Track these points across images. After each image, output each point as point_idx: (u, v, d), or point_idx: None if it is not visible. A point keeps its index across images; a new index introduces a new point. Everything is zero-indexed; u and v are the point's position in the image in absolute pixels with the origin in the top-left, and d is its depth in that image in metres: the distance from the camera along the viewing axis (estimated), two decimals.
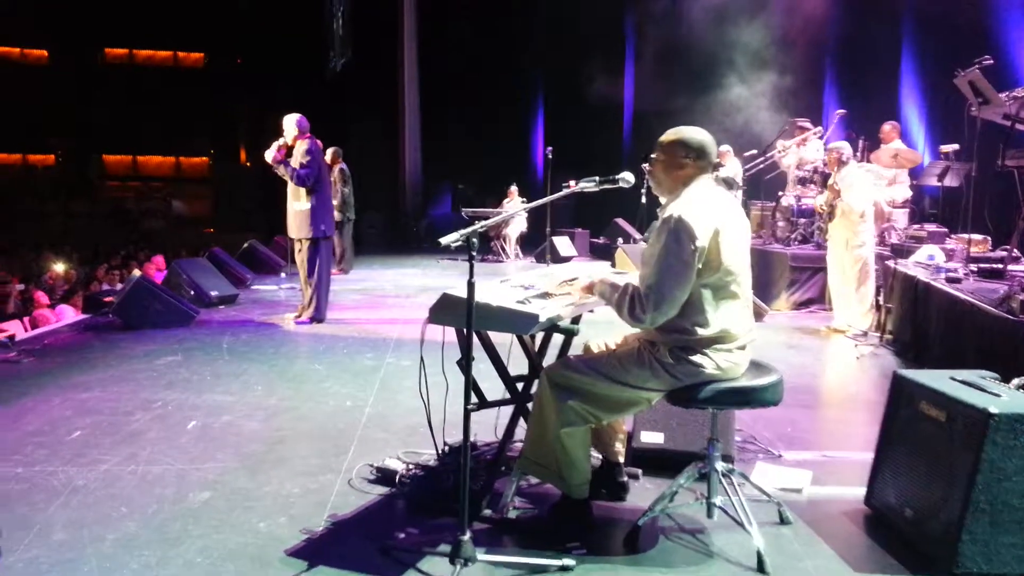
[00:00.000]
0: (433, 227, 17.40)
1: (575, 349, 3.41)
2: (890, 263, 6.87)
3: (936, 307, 5.71)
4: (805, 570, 2.81)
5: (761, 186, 10.56)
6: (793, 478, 3.54)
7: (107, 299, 8.10)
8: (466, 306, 2.68)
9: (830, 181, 7.18)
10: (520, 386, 3.39)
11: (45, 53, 27.60)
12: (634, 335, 3.13)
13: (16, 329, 7.66)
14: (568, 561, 2.76)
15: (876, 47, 11.99)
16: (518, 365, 3.43)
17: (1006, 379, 2.99)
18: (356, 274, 11.38)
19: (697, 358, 2.85)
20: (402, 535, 3.00)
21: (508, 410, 3.40)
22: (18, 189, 24.35)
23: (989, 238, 7.24)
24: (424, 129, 19.21)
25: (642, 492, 3.39)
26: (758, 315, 7.24)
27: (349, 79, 19.57)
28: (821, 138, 9.65)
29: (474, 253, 2.69)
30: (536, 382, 3.17)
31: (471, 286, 2.66)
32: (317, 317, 7.28)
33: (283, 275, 10.50)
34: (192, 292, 8.21)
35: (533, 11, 17.52)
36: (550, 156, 11.78)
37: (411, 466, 3.57)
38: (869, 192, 7.01)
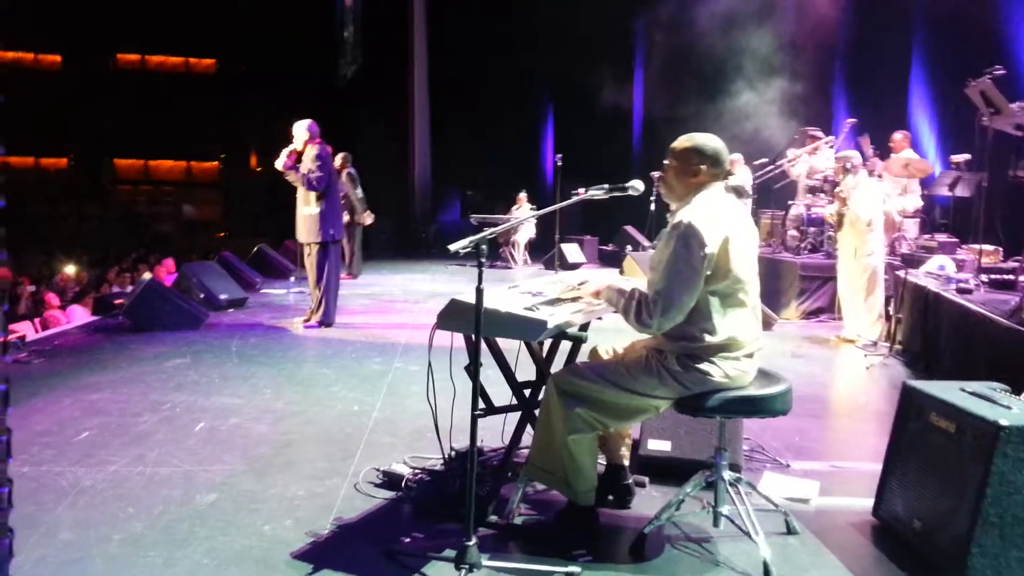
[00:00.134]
0: (442, 233, 17.43)
1: (583, 355, 3.41)
2: (900, 273, 6.84)
3: (946, 318, 5.68)
4: None
5: (771, 195, 10.54)
6: (801, 488, 3.52)
7: (117, 301, 8.14)
8: (475, 312, 2.68)
9: (837, 189, 7.16)
10: (527, 392, 3.38)
11: (59, 58, 27.80)
12: (642, 342, 3.12)
13: (27, 330, 7.70)
14: (573, 568, 2.75)
15: (886, 55, 11.96)
16: (526, 371, 3.42)
17: (1017, 391, 2.97)
18: (365, 279, 11.40)
19: (705, 366, 2.84)
20: (407, 540, 3.00)
21: (515, 416, 3.39)
22: (31, 192, 24.49)
23: (1000, 249, 7.20)
24: (433, 135, 19.27)
25: (649, 500, 3.37)
26: (767, 324, 7.22)
27: (359, 85, 19.66)
28: (832, 147, 9.63)
29: (483, 259, 2.70)
30: (543, 389, 3.17)
31: (480, 292, 2.66)
32: (326, 321, 7.29)
33: (292, 279, 10.53)
34: (202, 295, 8.24)
35: (542, 18, 17.56)
36: (559, 163, 11.79)
37: (417, 471, 3.58)
38: (877, 201, 6.98)
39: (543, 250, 14.16)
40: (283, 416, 4.58)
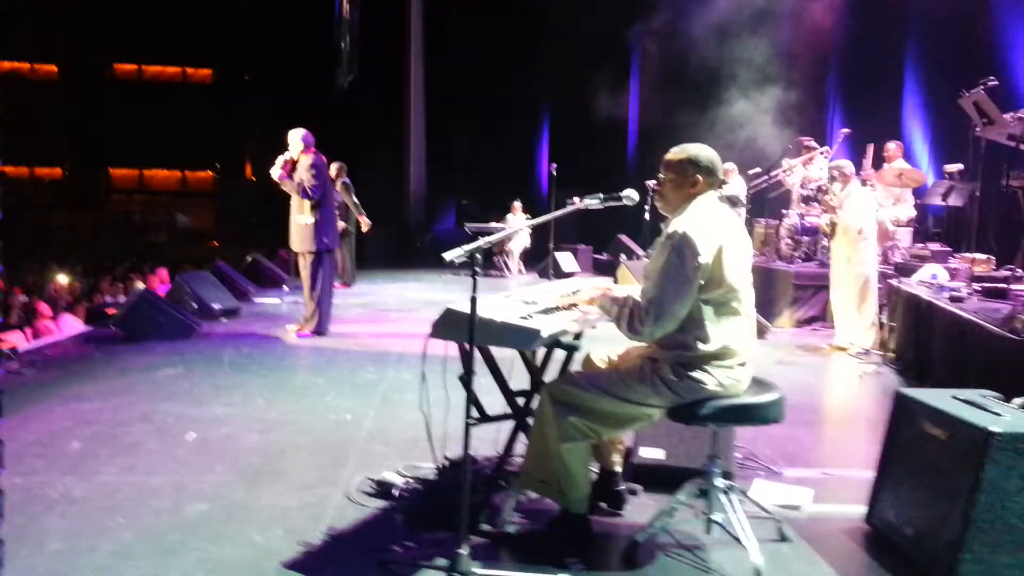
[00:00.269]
0: (436, 242, 17.43)
1: (576, 364, 3.41)
2: (893, 282, 6.86)
3: (939, 326, 5.69)
4: None
5: (765, 204, 10.57)
6: (793, 495, 3.52)
7: (110, 311, 8.12)
8: (469, 321, 2.68)
9: (826, 197, 7.20)
10: (521, 401, 3.38)
11: (55, 68, 27.80)
12: (636, 351, 3.13)
13: (18, 340, 7.67)
14: None
15: (879, 65, 12.03)
16: (519, 380, 3.42)
17: (1008, 399, 2.98)
18: (359, 288, 11.39)
19: (698, 374, 2.85)
20: (400, 549, 2.98)
21: (508, 425, 3.39)
22: (25, 202, 24.44)
23: (993, 258, 7.22)
24: (428, 144, 19.28)
25: (641, 508, 3.37)
26: (761, 332, 7.23)
27: (355, 95, 19.66)
28: (827, 157, 9.67)
29: (478, 268, 2.70)
30: (537, 397, 3.16)
31: (474, 301, 2.66)
32: (319, 330, 7.28)
33: (286, 288, 10.52)
34: (195, 305, 8.22)
35: (538, 28, 17.62)
36: (554, 172, 11.81)
37: (410, 480, 3.56)
38: (869, 210, 7.00)
39: (537, 259, 14.17)
40: (275, 425, 4.56)
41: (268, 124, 15.72)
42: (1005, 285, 6.03)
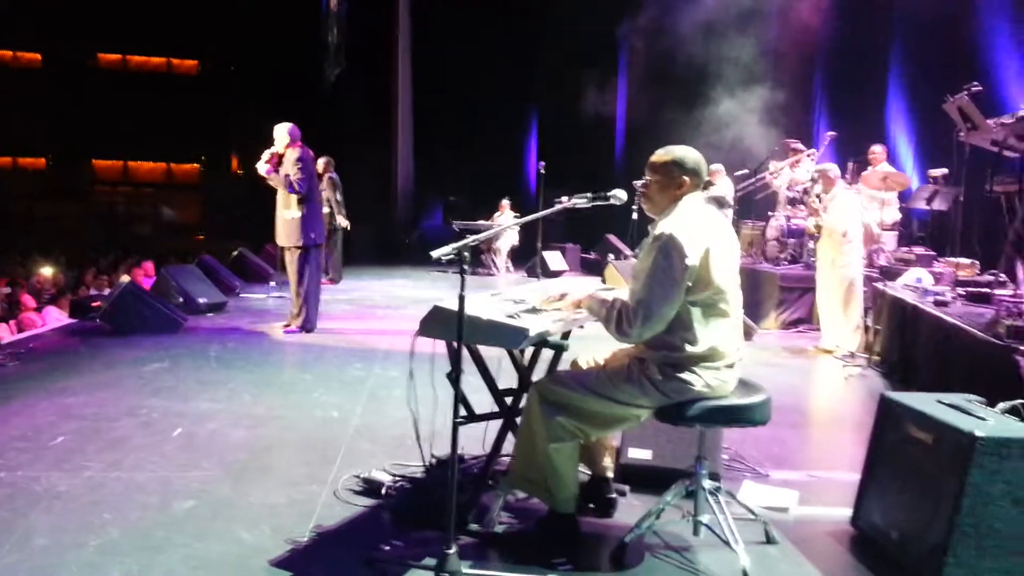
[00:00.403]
0: (423, 239, 17.40)
1: (564, 364, 3.41)
2: (878, 285, 6.91)
3: (924, 330, 5.74)
4: None
5: (752, 206, 10.62)
6: (780, 497, 3.54)
7: (95, 304, 8.05)
8: (457, 319, 2.68)
9: (808, 199, 7.25)
10: (509, 400, 3.38)
11: (39, 57, 27.51)
12: (623, 351, 3.14)
13: (2, 332, 7.60)
14: None
15: (865, 66, 12.09)
16: (508, 379, 3.42)
17: (992, 403, 3.01)
18: (346, 284, 11.36)
19: (686, 375, 2.86)
20: (388, 547, 2.98)
21: (496, 424, 3.39)
22: (8, 192, 24.20)
23: (977, 262, 7.29)
24: (416, 140, 19.25)
25: (629, 508, 3.38)
26: (747, 334, 7.26)
27: (342, 89, 19.60)
28: (813, 159, 9.72)
29: (466, 266, 2.70)
30: (525, 397, 3.17)
31: (462, 299, 2.66)
32: (306, 326, 7.26)
33: (272, 283, 10.47)
34: (181, 299, 8.18)
35: (527, 25, 17.62)
36: (543, 171, 11.79)
37: (398, 478, 3.56)
38: (852, 213, 7.05)
39: (525, 257, 14.17)
40: (262, 422, 4.54)
41: (254, 117, 15.60)
42: (989, 290, 6.09)
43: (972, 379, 4.57)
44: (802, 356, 7.05)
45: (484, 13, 17.54)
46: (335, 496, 3.46)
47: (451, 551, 2.63)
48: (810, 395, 6.03)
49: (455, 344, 2.91)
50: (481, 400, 3.46)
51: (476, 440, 3.71)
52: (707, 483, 2.98)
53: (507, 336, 2.85)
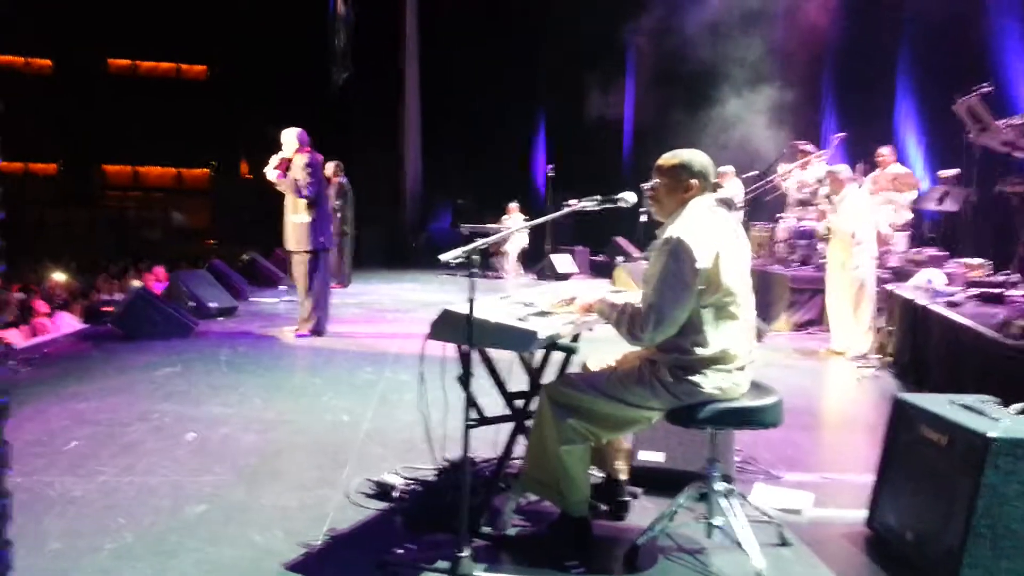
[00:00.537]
0: (432, 242, 17.41)
1: (575, 367, 3.41)
2: (889, 286, 6.88)
3: (935, 331, 5.71)
4: None
5: (761, 207, 10.60)
6: (793, 499, 3.53)
7: (107, 309, 8.09)
8: (466, 322, 2.68)
9: (817, 200, 7.22)
10: (520, 403, 3.38)
11: (49, 62, 27.69)
12: (634, 353, 3.13)
13: (15, 338, 7.64)
14: None
15: (874, 67, 12.05)
16: (518, 382, 3.42)
17: (1006, 404, 2.99)
18: (355, 288, 11.38)
19: (697, 378, 2.85)
20: (400, 551, 2.99)
21: (507, 427, 3.39)
22: (20, 198, 24.34)
23: (989, 263, 7.26)
24: (424, 144, 19.26)
25: (641, 511, 3.37)
26: (758, 336, 7.24)
27: (350, 93, 19.64)
28: (823, 161, 9.69)
29: (475, 270, 2.70)
30: (536, 399, 3.17)
31: (471, 303, 2.66)
32: (316, 330, 7.27)
33: (283, 288, 10.50)
34: (192, 303, 8.20)
35: (534, 28, 17.63)
36: (551, 174, 11.80)
37: (410, 481, 3.57)
38: (862, 214, 7.02)
39: (534, 260, 14.17)
40: (273, 426, 4.56)
41: (263, 122, 15.67)
42: (1001, 290, 6.06)
43: (985, 380, 4.55)
44: (813, 358, 7.03)
45: (491, 16, 17.57)
46: (347, 500, 3.47)
47: (463, 554, 2.63)
48: (822, 397, 6.01)
49: (465, 347, 2.92)
50: (492, 403, 3.46)
51: (487, 443, 3.71)
52: (720, 485, 2.97)
53: (517, 339, 2.85)
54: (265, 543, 3.04)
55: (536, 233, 13.28)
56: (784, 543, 3.11)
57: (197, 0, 24.23)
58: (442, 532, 3.09)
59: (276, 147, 7.20)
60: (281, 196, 7.31)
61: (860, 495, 3.36)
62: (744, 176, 10.34)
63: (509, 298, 3.39)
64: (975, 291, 6.23)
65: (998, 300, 5.90)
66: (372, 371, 6.00)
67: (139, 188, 29.91)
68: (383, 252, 16.71)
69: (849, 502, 3.51)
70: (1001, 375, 4.47)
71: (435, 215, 19.92)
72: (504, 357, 3.23)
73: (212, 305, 8.35)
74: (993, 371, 4.62)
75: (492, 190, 16.77)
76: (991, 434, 2.65)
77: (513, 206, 14.79)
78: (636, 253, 12.49)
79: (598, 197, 3.17)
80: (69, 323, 8.71)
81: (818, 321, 8.13)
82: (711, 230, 2.86)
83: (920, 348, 6.00)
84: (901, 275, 7.37)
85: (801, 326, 8.20)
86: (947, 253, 7.95)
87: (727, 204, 9.26)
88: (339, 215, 10.59)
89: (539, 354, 3.46)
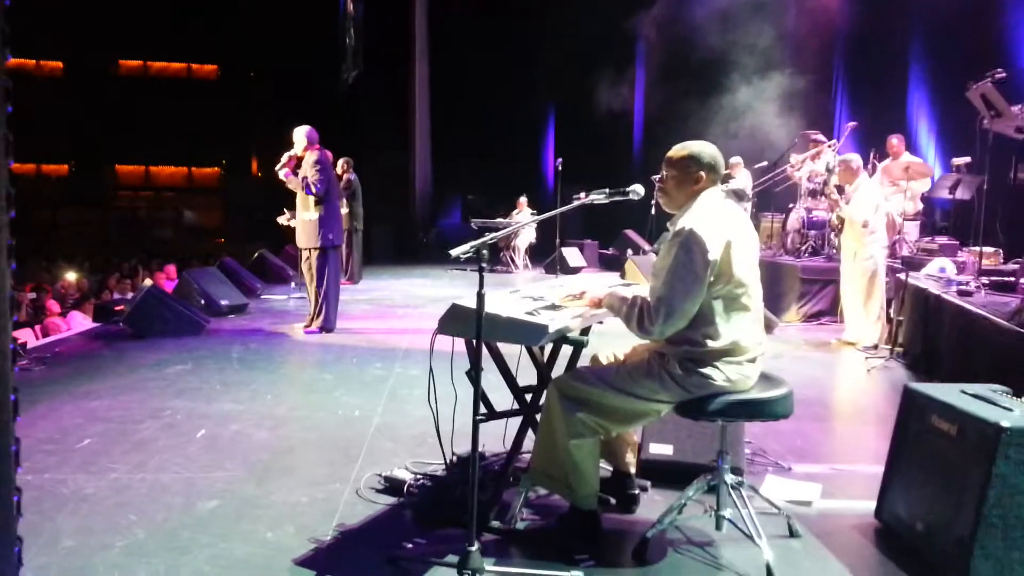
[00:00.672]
0: (441, 237, 17.44)
1: (584, 360, 3.41)
2: (901, 276, 6.84)
3: (947, 320, 5.68)
4: None
5: (772, 198, 10.55)
6: (803, 491, 3.52)
7: (118, 308, 8.14)
8: (475, 317, 2.68)
9: (828, 190, 7.18)
10: (529, 397, 3.38)
11: (60, 65, 27.87)
12: (643, 346, 3.12)
13: (27, 337, 7.70)
14: (576, 573, 2.75)
15: (886, 54, 11.97)
16: (527, 376, 3.42)
17: (1018, 393, 2.97)
18: (365, 284, 11.41)
19: (707, 370, 2.84)
20: (410, 545, 2.99)
21: (517, 421, 3.39)
22: (32, 199, 24.54)
23: (1001, 251, 7.20)
24: (434, 139, 19.28)
25: (651, 504, 3.37)
26: (768, 327, 7.22)
27: (360, 91, 19.67)
28: (834, 150, 9.64)
29: (484, 264, 2.70)
30: (545, 393, 3.17)
31: (481, 297, 2.66)
32: (326, 326, 7.29)
33: (293, 285, 10.53)
34: (203, 301, 8.25)
35: (542, 21, 17.59)
36: (560, 168, 11.78)
37: (419, 476, 3.57)
38: (873, 203, 6.97)
39: (544, 254, 14.16)
40: (284, 422, 4.58)
41: (273, 120, 15.73)
42: (1013, 279, 6.01)
43: (997, 369, 4.52)
44: (824, 349, 7.00)
45: (500, 11, 17.54)
46: (357, 495, 3.48)
47: (473, 548, 2.63)
48: (833, 388, 5.98)
49: (474, 342, 2.92)
50: (501, 398, 3.46)
51: (496, 437, 3.71)
52: (729, 477, 2.96)
53: (526, 333, 2.85)
54: (276, 539, 3.05)
55: (545, 227, 13.27)
56: (793, 535, 3.10)
57: (207, 1, 24.34)
58: (452, 527, 3.09)
59: (286, 145, 7.23)
60: (291, 194, 7.34)
61: (870, 486, 3.34)
62: (754, 167, 10.29)
63: (518, 292, 3.39)
64: (987, 279, 6.19)
65: (1011, 288, 5.86)
66: (382, 367, 6.01)
67: (150, 187, 30.12)
68: (393, 248, 16.75)
69: (859, 493, 3.50)
70: (1013, 364, 4.44)
71: (445, 211, 19.96)
72: (513, 351, 3.23)
73: (223, 302, 8.40)
74: (1005, 360, 4.59)
75: (502, 185, 16.77)
76: (1003, 423, 2.63)
77: (522, 200, 14.79)
78: (646, 246, 12.47)
79: (607, 190, 3.16)
80: (81, 322, 8.78)
81: (829, 312, 8.10)
82: (722, 221, 2.84)
83: (932, 337, 5.96)
84: (913, 264, 7.32)
85: (812, 317, 8.17)
86: (959, 242, 7.89)
87: (737, 195, 9.25)
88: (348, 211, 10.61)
89: (548, 348, 3.46)
